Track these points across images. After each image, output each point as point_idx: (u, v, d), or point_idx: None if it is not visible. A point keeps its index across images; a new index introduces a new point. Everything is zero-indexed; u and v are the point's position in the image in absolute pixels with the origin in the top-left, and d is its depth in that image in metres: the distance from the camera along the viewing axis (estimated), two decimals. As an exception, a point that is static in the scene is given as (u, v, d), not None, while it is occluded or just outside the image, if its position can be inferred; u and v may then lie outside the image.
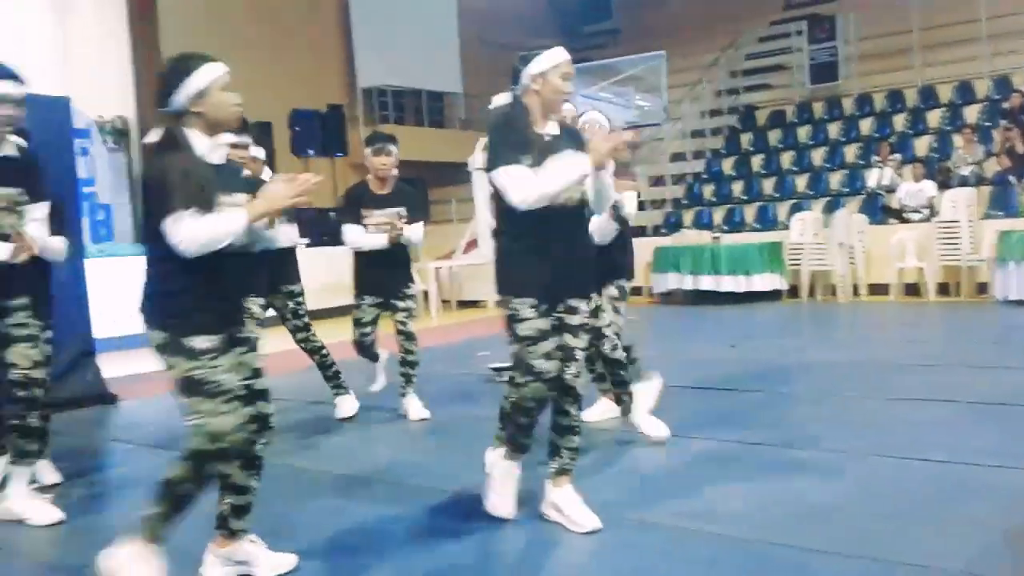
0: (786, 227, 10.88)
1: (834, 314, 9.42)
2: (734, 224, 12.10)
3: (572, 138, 3.09)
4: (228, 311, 2.61)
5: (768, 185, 12.77)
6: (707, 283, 10.37)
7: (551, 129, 3.06)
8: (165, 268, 2.49)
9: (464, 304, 12.15)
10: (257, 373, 2.71)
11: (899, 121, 12.64)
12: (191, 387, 2.49)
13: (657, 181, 13.65)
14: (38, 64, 10.70)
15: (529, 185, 2.87)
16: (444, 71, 15.50)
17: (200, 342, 2.49)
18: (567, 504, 3.07)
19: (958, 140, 11.24)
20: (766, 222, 11.81)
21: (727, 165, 13.57)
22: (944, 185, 10.45)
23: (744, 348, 6.94)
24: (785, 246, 10.48)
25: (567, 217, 3.01)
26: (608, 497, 3.27)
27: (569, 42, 15.88)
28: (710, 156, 13.96)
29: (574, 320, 3.07)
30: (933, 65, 13.12)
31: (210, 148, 2.55)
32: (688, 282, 10.49)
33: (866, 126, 12.92)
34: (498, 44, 16.93)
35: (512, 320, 2.98)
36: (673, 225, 12.24)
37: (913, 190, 10.48)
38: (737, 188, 12.98)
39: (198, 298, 2.50)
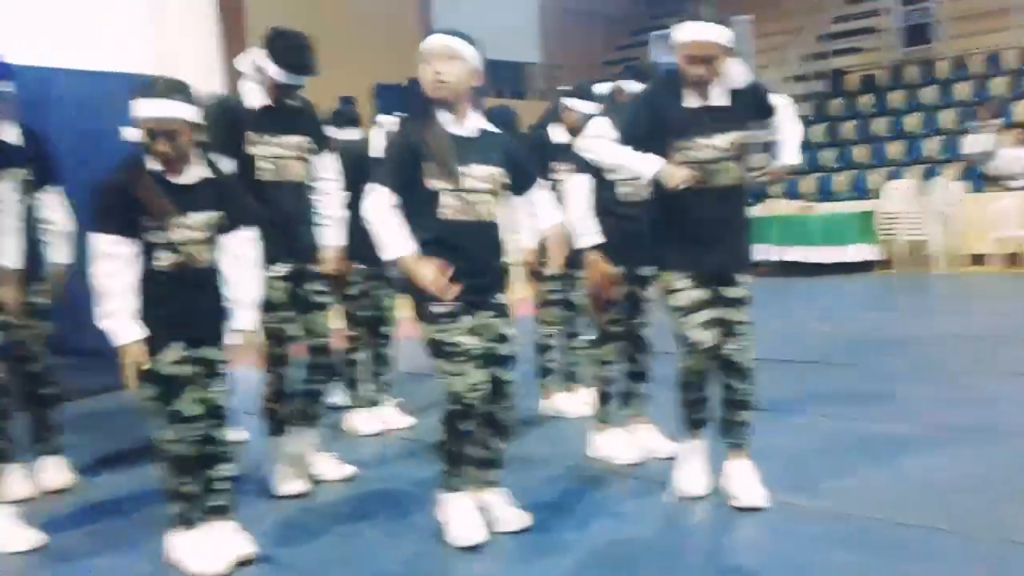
0: (880, 196, 10.55)
1: (930, 286, 9.12)
2: (826, 193, 11.79)
3: None
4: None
5: (860, 153, 12.38)
6: (796, 254, 10.14)
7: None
8: None
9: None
10: (502, 339, 2.86)
11: (998, 85, 12.09)
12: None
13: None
14: (129, 42, 11.01)
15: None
16: (522, 41, 15.42)
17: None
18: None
19: (1063, 103, 10.70)
20: (860, 191, 11.46)
21: (817, 132, 13.21)
22: (1047, 151, 9.98)
23: (837, 321, 6.77)
24: (877, 215, 10.16)
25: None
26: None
27: (650, 9, 15.59)
28: (798, 123, 13.57)
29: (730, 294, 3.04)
30: (1035, 25, 12.50)
31: None
32: (776, 253, 10.27)
33: (963, 90, 12.40)
34: (578, 12, 16.78)
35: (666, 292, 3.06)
36: (759, 195, 11.98)
37: (1013, 156, 10.02)
38: (828, 156, 12.62)
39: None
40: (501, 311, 2.88)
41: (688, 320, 2.98)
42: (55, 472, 3.70)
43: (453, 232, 2.74)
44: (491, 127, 2.91)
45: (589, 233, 3.36)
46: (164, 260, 2.68)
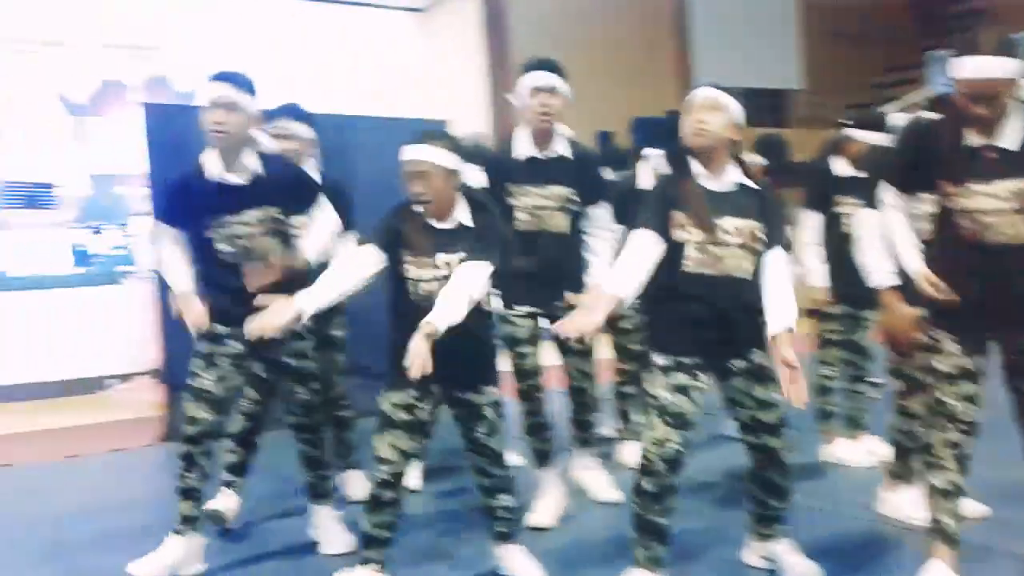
0: None
1: None
2: None
3: None
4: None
5: None
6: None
7: None
8: None
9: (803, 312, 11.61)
10: (762, 405, 2.78)
11: None
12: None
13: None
14: (407, 86, 11.88)
15: None
16: (783, 67, 14.97)
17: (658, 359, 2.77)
18: None
19: None
20: None
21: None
22: None
23: None
24: None
25: None
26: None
27: (923, 26, 14.50)
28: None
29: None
30: None
31: None
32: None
33: None
34: (843, 34, 16.06)
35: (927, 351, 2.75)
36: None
37: None
38: None
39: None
40: (756, 375, 2.78)
41: (950, 388, 2.69)
42: (356, 484, 4.05)
43: (694, 284, 2.71)
44: (750, 182, 2.82)
45: (882, 272, 3.15)
46: (411, 295, 2.87)
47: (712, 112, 2.75)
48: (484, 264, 2.83)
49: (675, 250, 2.73)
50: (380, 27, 12.49)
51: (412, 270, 2.85)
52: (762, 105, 15.24)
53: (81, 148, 11.04)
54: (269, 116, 3.75)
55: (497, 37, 12.25)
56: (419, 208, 2.86)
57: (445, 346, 2.83)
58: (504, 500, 3.04)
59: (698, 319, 2.71)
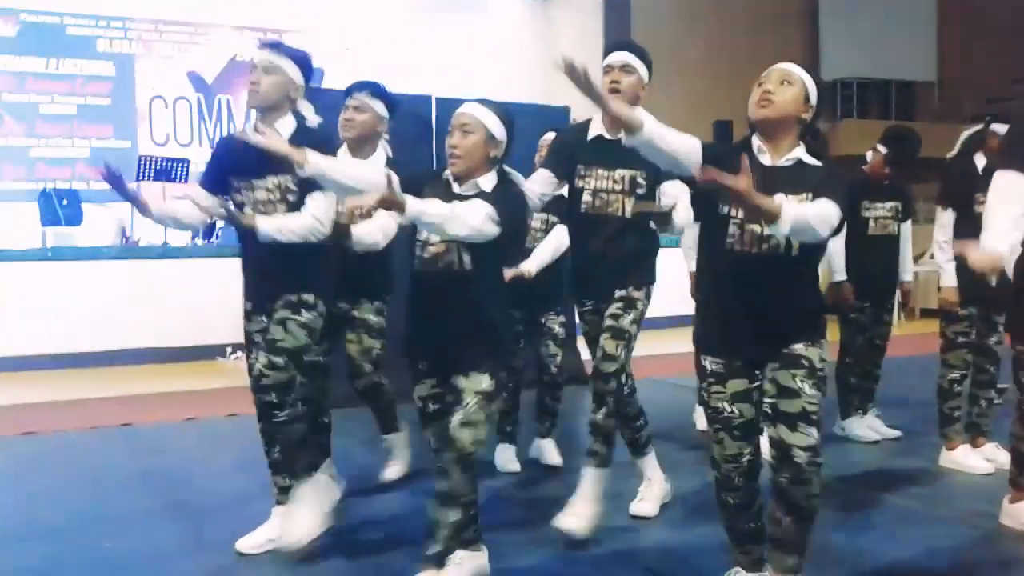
0: None
1: None
2: None
3: None
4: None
5: None
6: None
7: None
8: None
9: (927, 313, 11.14)
10: (784, 392, 2.51)
11: None
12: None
13: None
14: (527, 71, 11.90)
15: None
16: (916, 58, 14.35)
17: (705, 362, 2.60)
18: None
19: None
20: None
21: None
22: None
23: None
24: None
25: None
26: None
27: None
28: None
29: None
30: None
31: None
32: None
33: None
34: (983, 26, 15.26)
35: None
36: None
37: None
38: None
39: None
40: (793, 362, 2.49)
41: None
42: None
43: (736, 263, 2.49)
44: (811, 160, 2.57)
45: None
46: (416, 260, 2.82)
47: (782, 85, 2.55)
48: (484, 205, 2.65)
49: (720, 226, 2.54)
50: (501, 13, 12.54)
51: (423, 232, 2.78)
52: (888, 96, 14.63)
53: (207, 124, 11.47)
54: (349, 90, 3.79)
55: (617, 24, 12.12)
56: (448, 171, 2.79)
57: (441, 327, 2.77)
58: (445, 515, 2.71)
59: (741, 305, 2.51)
